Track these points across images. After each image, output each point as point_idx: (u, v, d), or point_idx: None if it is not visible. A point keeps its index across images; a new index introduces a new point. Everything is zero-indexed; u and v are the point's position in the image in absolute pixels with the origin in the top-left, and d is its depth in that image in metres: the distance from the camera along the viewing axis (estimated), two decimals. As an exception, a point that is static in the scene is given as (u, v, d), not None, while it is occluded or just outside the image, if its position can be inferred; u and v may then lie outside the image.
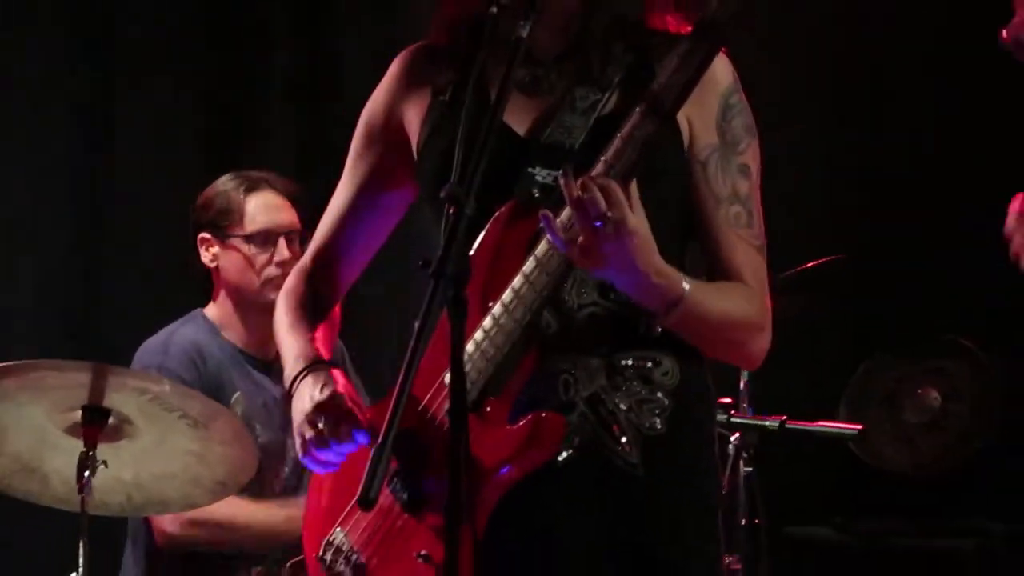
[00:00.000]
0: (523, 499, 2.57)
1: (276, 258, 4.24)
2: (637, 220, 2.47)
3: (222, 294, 4.36)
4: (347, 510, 2.68)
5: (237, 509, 4.09)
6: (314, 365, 2.77)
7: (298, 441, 2.69)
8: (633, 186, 2.50)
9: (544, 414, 2.56)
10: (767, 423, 4.37)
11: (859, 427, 4.44)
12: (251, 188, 4.30)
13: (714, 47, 2.55)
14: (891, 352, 5.18)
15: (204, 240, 4.30)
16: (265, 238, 4.25)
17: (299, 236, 4.33)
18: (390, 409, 2.28)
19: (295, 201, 4.34)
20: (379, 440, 2.26)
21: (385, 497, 2.62)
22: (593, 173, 2.48)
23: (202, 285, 4.43)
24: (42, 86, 5.40)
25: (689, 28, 2.58)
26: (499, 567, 2.56)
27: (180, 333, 4.34)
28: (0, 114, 5.36)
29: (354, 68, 5.50)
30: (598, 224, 2.40)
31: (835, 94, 5.33)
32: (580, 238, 2.42)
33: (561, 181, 2.44)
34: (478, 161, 2.38)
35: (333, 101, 5.50)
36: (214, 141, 5.62)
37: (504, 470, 2.56)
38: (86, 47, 5.49)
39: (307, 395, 2.71)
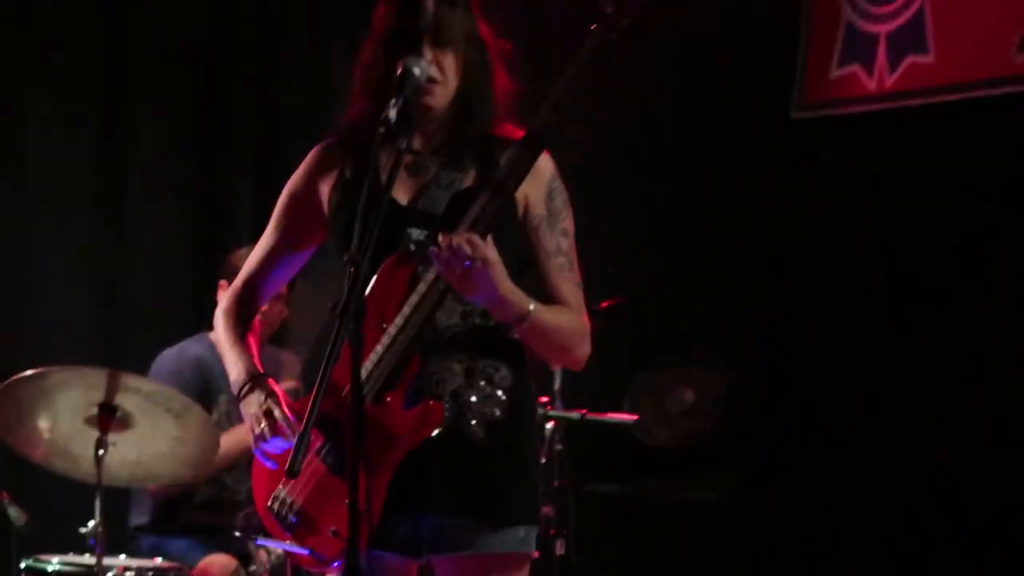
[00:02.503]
0: (409, 461, 2.91)
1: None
2: (495, 257, 2.80)
3: None
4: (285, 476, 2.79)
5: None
6: (255, 378, 3.05)
7: (251, 437, 2.99)
8: (489, 237, 2.82)
9: (432, 403, 2.89)
10: (572, 415, 4.96)
11: (636, 417, 5.12)
12: None
13: (539, 149, 2.91)
14: (658, 364, 5.76)
15: (224, 286, 4.85)
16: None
17: (283, 297, 4.96)
18: (308, 409, 2.60)
19: None
20: (300, 430, 2.59)
21: (317, 464, 2.94)
22: (459, 230, 2.78)
23: (203, 308, 5.01)
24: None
25: (522, 135, 2.92)
26: (388, 502, 2.88)
27: (190, 348, 5.01)
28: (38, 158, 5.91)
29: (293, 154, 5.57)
30: (467, 264, 2.76)
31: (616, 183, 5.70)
32: (457, 272, 2.76)
33: (441, 238, 2.77)
34: (373, 231, 2.66)
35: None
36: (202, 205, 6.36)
37: (403, 441, 2.87)
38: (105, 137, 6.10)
39: (255, 402, 3.00)
